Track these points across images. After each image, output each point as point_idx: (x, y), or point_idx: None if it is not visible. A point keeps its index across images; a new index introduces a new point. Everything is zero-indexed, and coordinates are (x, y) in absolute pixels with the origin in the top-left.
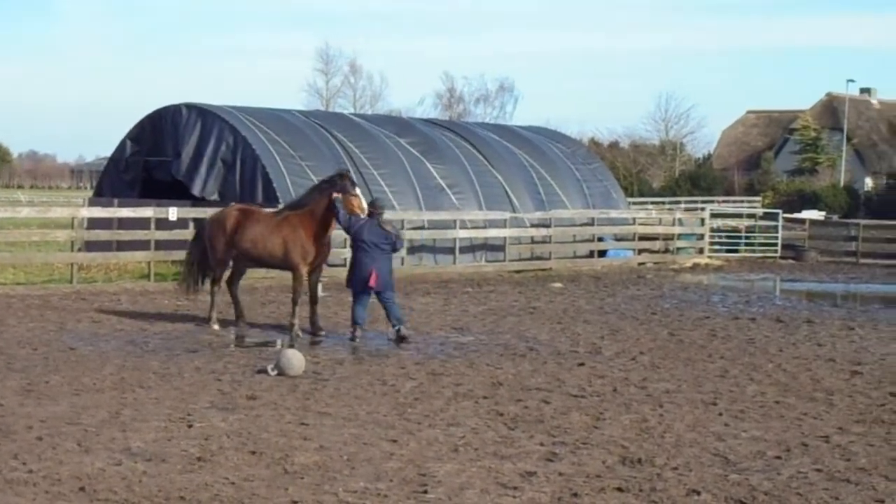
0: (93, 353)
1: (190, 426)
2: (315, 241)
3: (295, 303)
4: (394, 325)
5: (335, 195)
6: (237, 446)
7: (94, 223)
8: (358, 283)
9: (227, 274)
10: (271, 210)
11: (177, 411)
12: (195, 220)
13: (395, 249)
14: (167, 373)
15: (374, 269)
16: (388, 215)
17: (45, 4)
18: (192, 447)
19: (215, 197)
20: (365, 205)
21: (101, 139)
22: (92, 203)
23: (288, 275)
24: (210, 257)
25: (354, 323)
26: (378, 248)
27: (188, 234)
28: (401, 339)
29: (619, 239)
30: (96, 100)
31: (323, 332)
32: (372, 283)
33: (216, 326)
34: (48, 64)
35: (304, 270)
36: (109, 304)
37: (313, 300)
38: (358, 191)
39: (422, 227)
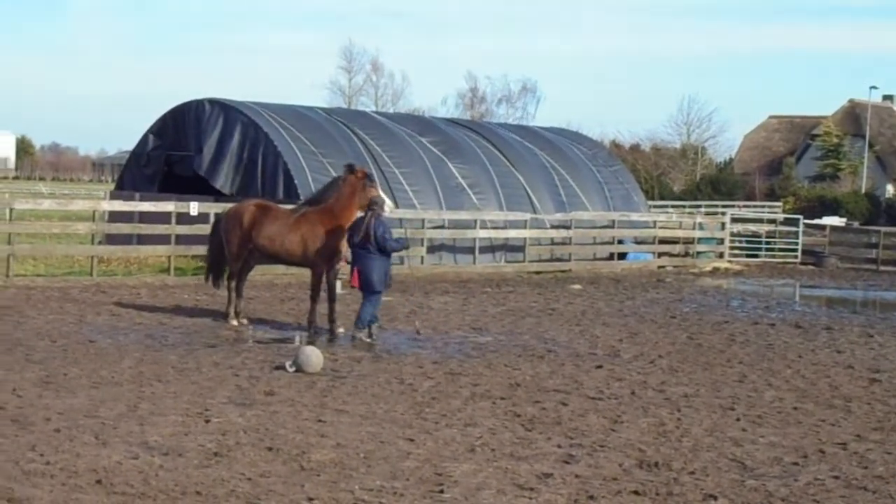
0: (111, 346)
1: (207, 421)
2: (334, 237)
3: (314, 300)
4: (356, 323)
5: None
6: (254, 442)
7: (115, 216)
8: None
9: (237, 267)
10: (289, 206)
11: (194, 406)
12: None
13: (381, 250)
14: (185, 367)
15: (357, 268)
16: (409, 214)
17: (64, 2)
18: (208, 442)
19: (234, 192)
20: (388, 200)
21: (123, 133)
22: (113, 196)
23: (307, 271)
24: (226, 251)
25: (363, 325)
26: (364, 249)
27: (209, 229)
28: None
29: (639, 242)
30: (119, 94)
31: (341, 330)
32: (354, 282)
33: (234, 322)
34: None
35: (323, 268)
36: (129, 297)
37: (331, 297)
38: (378, 189)
39: (442, 227)
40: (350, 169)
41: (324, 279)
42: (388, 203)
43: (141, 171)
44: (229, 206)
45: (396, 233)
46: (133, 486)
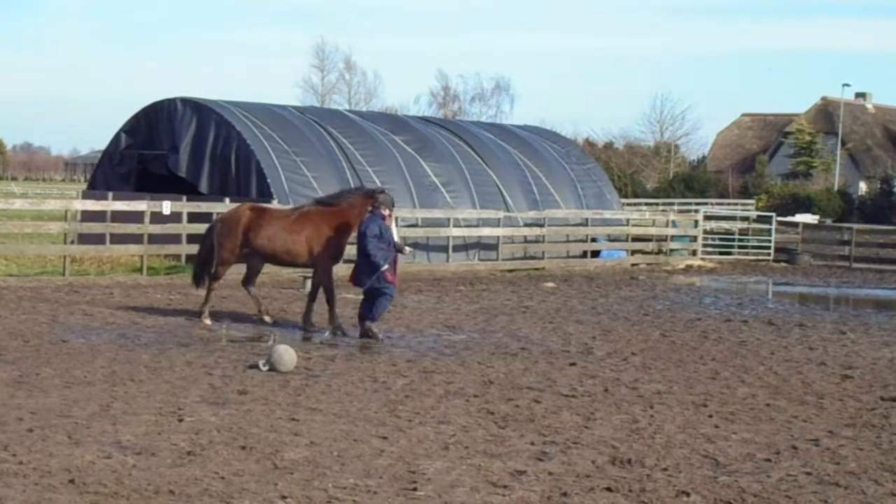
0: (84, 345)
1: (180, 420)
2: (338, 237)
3: (311, 300)
4: (370, 319)
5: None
6: (227, 441)
7: (87, 216)
8: (378, 279)
9: (224, 273)
10: (287, 208)
11: (167, 405)
12: (193, 215)
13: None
14: (158, 366)
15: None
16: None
17: (36, 0)
18: (182, 441)
19: (209, 191)
20: (395, 227)
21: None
22: (86, 196)
23: (281, 269)
24: (215, 255)
25: (373, 320)
26: (390, 245)
27: (181, 227)
28: (366, 335)
29: (612, 239)
30: (91, 93)
31: (315, 329)
32: (390, 278)
33: (207, 321)
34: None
35: (330, 267)
36: (102, 297)
37: (312, 297)
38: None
39: (415, 225)
40: (374, 192)
41: (328, 277)
42: (393, 229)
43: (113, 170)
44: (202, 205)
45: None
46: (106, 486)
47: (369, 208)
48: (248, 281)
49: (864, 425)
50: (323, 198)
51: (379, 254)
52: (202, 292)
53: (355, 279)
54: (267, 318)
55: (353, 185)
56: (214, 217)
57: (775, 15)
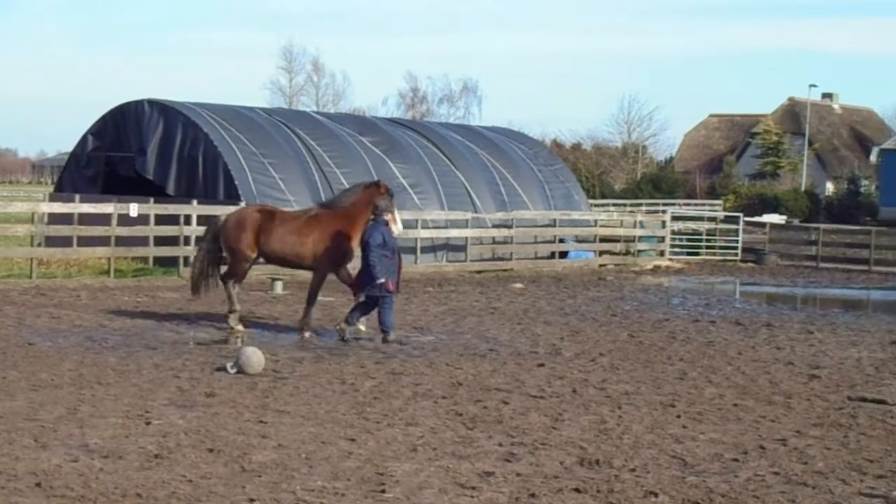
0: (51, 348)
1: (148, 423)
2: (344, 241)
3: (310, 303)
4: (384, 330)
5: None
6: (195, 444)
7: (54, 218)
8: (378, 288)
9: (246, 272)
10: (296, 210)
11: (135, 408)
12: (160, 217)
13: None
14: (126, 369)
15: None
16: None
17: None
18: (149, 444)
19: (177, 193)
20: (398, 216)
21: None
22: (53, 198)
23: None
24: (230, 259)
25: (388, 329)
26: (394, 252)
27: (149, 230)
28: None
29: (580, 240)
30: (59, 95)
31: (308, 333)
32: (391, 287)
33: (239, 326)
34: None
35: (327, 271)
36: (69, 299)
37: (311, 301)
38: (394, 201)
39: None
40: (375, 183)
41: (322, 282)
42: (399, 227)
43: (81, 172)
44: (169, 207)
45: None
46: (73, 489)
47: (372, 217)
48: (226, 279)
49: (831, 425)
50: (327, 201)
51: (379, 266)
52: (199, 298)
53: (357, 285)
54: (232, 321)
55: (320, 188)
56: (214, 219)
57: (742, 15)
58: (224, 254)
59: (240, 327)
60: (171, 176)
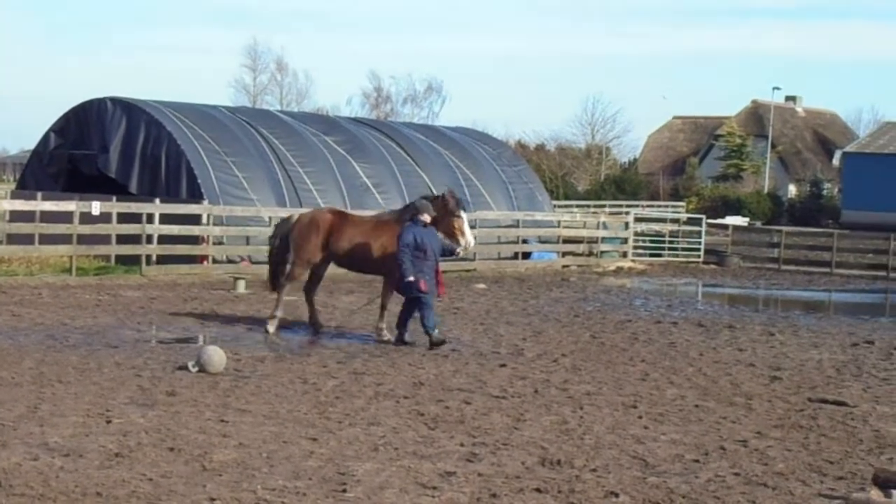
0: (12, 346)
1: (108, 422)
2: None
3: (383, 307)
4: (427, 332)
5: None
6: (155, 443)
7: (15, 216)
8: (409, 287)
9: (303, 276)
10: (369, 214)
11: (95, 407)
12: (122, 215)
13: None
14: (86, 368)
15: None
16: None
17: None
18: (110, 443)
19: (139, 191)
20: (467, 229)
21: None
22: (14, 195)
23: (211, 270)
24: (295, 258)
25: (430, 330)
26: (431, 254)
27: (111, 228)
28: (434, 345)
29: (543, 241)
30: (21, 92)
31: (387, 337)
32: (423, 287)
33: (272, 329)
34: None
35: (396, 276)
36: (30, 297)
37: (382, 306)
38: (463, 213)
39: None
40: (452, 194)
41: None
42: (469, 239)
43: (43, 169)
44: (132, 205)
45: None
46: (33, 488)
47: (409, 217)
48: (309, 288)
49: (792, 426)
50: (399, 210)
51: (407, 263)
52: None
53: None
54: (270, 327)
55: (283, 187)
56: (283, 218)
57: (706, 17)
58: (289, 254)
59: (272, 329)
60: (133, 174)
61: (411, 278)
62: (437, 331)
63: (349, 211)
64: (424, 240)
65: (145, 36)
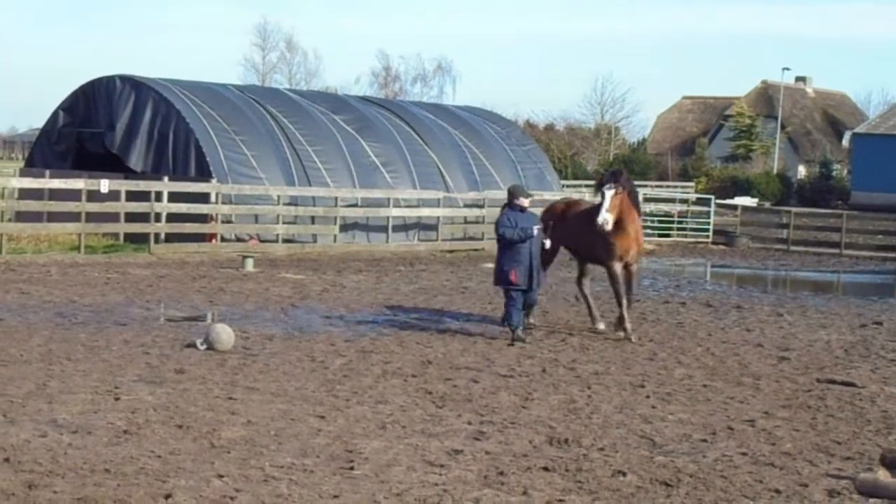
0: (21, 324)
1: (117, 399)
2: (622, 238)
3: (619, 304)
4: (510, 329)
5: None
6: (164, 420)
7: (24, 194)
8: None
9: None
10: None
11: (104, 384)
12: (131, 193)
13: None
14: (95, 345)
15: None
16: (322, 193)
17: None
18: (118, 420)
19: (146, 170)
20: (605, 209)
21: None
22: (23, 173)
23: (220, 249)
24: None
25: (514, 327)
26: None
27: (119, 206)
28: (515, 340)
29: None
30: (30, 70)
31: (634, 337)
32: (514, 278)
33: (601, 326)
34: None
35: (616, 267)
36: (39, 275)
37: (618, 296)
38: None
39: (355, 205)
40: (619, 172)
41: (619, 276)
42: (605, 216)
43: (52, 148)
44: (140, 183)
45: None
46: (41, 464)
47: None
48: (578, 280)
49: (799, 406)
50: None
51: (507, 231)
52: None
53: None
54: (600, 326)
55: (292, 165)
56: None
57: None
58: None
59: (601, 326)
60: (140, 152)
61: (506, 269)
62: (519, 331)
63: (579, 200)
64: (518, 222)
65: (156, 14)
